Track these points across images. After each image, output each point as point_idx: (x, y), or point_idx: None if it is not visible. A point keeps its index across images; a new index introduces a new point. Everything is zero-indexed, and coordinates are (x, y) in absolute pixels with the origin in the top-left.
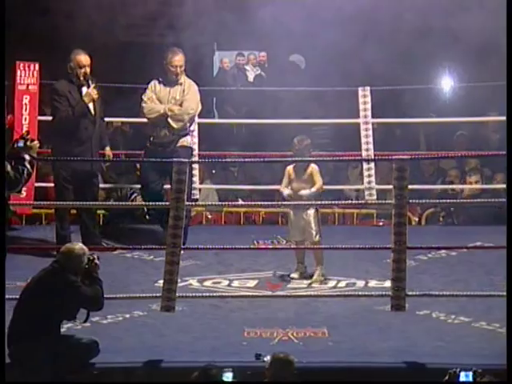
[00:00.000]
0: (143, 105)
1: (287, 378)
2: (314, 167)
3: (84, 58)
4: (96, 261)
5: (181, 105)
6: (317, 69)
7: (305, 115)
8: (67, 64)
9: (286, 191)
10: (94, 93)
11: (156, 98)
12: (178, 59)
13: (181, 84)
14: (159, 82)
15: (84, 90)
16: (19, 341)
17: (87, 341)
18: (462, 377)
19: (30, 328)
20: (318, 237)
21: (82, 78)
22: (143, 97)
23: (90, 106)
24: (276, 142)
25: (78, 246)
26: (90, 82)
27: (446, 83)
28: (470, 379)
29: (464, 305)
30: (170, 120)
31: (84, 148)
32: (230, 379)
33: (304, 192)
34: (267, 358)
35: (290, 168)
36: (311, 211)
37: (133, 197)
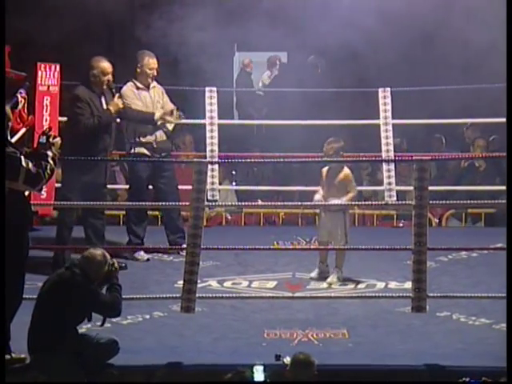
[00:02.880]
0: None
1: (307, 379)
2: (347, 174)
3: (108, 65)
4: (116, 265)
5: (162, 107)
6: (335, 70)
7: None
8: (89, 71)
9: (316, 196)
10: (120, 103)
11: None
12: (155, 62)
13: (154, 87)
14: (136, 88)
15: (103, 99)
16: (39, 345)
17: (107, 341)
18: None
19: (48, 331)
20: (343, 241)
21: (105, 86)
22: (132, 105)
23: None
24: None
25: (100, 251)
26: (113, 90)
27: None
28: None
29: (485, 306)
30: (167, 124)
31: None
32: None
33: (335, 201)
34: (287, 359)
35: (324, 170)
36: (340, 214)
37: None
